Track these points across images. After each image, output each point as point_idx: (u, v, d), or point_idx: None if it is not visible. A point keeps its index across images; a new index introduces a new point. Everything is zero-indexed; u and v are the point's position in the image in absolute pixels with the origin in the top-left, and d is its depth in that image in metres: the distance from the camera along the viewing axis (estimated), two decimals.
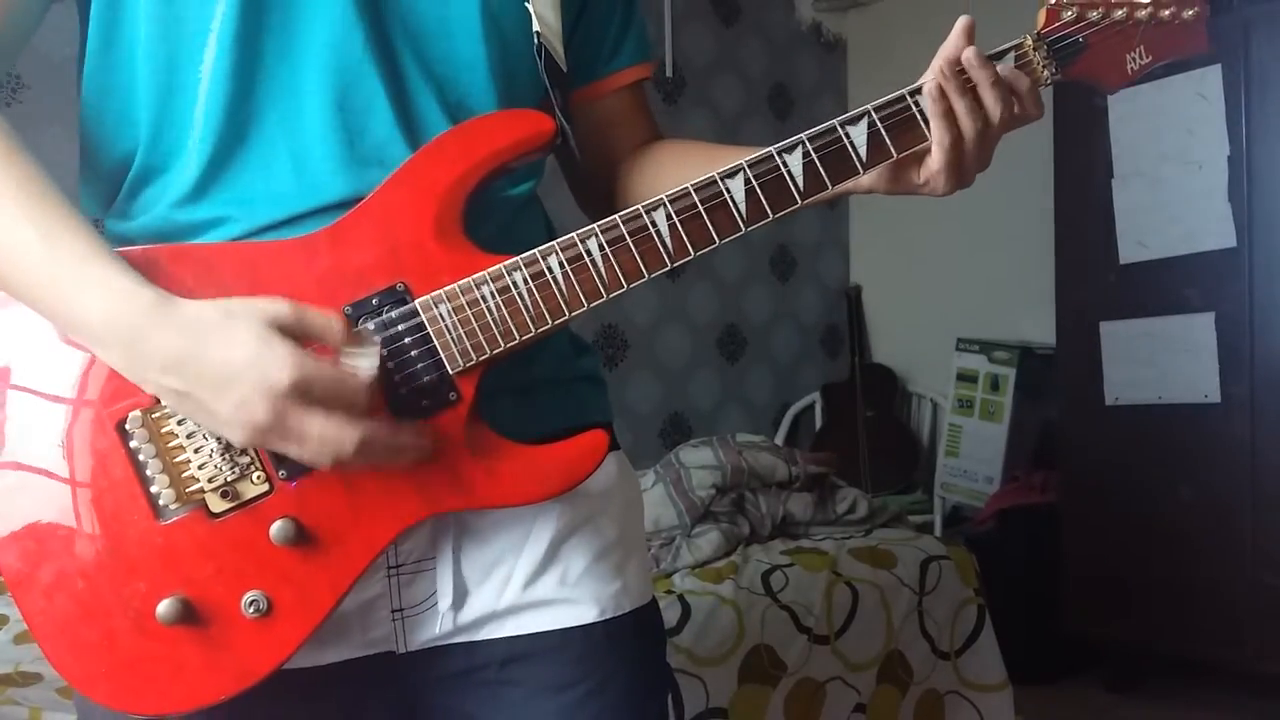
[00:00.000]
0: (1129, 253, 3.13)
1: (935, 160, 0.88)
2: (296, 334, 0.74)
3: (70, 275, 0.75)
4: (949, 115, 0.86)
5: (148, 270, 0.77)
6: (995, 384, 3.81)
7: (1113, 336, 3.19)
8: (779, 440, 4.16)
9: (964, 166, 0.89)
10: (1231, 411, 2.97)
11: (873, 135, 0.86)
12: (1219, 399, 2.99)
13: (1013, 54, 0.89)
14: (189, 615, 0.77)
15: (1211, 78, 2.94)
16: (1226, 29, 2.88)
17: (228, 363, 0.72)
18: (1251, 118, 2.90)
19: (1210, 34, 0.93)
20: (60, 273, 0.76)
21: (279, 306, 0.74)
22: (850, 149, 0.86)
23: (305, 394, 0.72)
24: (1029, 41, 0.89)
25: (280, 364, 0.72)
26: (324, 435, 0.73)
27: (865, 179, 0.90)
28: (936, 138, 0.87)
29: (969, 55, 0.87)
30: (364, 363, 0.76)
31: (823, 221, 4.47)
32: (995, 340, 3.86)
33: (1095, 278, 3.22)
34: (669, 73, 4.00)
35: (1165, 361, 3.08)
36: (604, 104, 1.05)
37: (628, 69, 1.05)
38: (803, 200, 0.86)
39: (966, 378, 3.89)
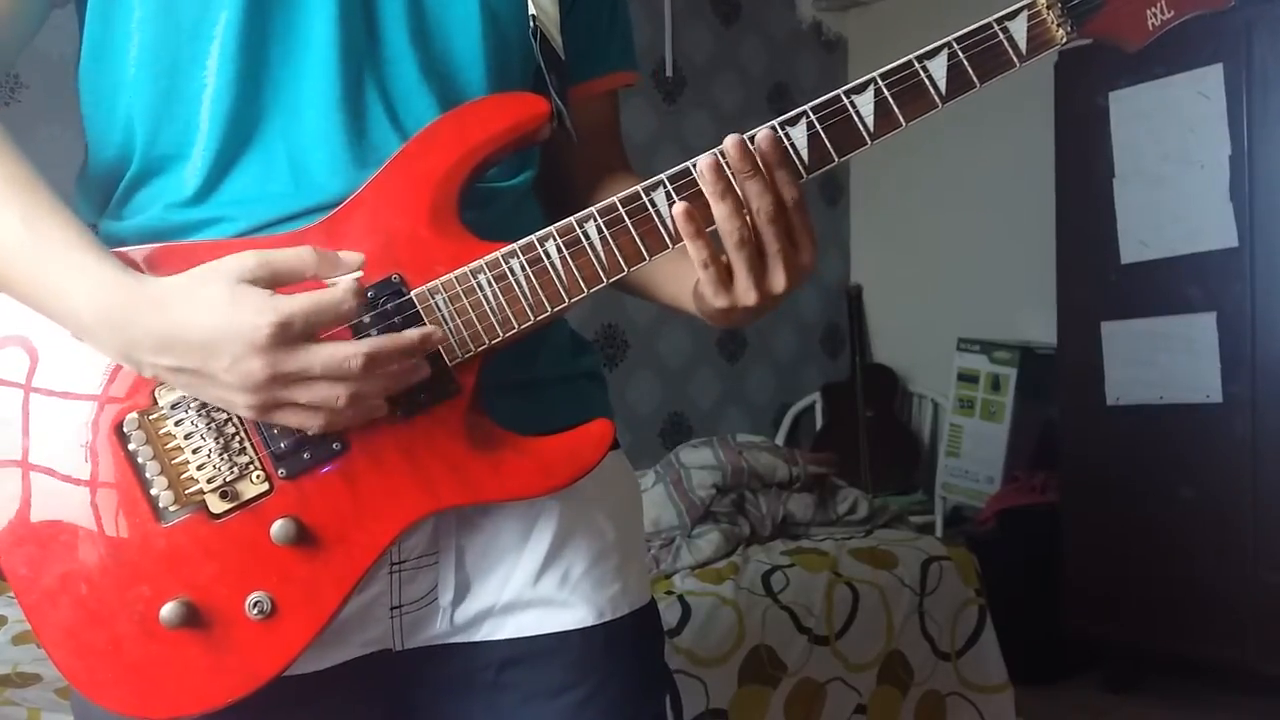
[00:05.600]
0: (1130, 252, 3.13)
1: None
2: (269, 281, 0.73)
3: (56, 266, 0.75)
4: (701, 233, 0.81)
5: (141, 267, 0.77)
6: (996, 384, 3.81)
7: (1114, 336, 3.18)
8: (779, 440, 4.15)
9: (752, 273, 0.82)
10: (1233, 412, 2.97)
11: (880, 104, 0.82)
12: (1220, 399, 2.99)
13: (1025, 13, 0.83)
14: (193, 618, 0.77)
15: (1213, 76, 2.93)
16: (1227, 29, 2.88)
17: (206, 328, 0.72)
18: (1253, 117, 2.90)
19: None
20: (46, 263, 0.75)
21: (243, 259, 0.73)
22: (856, 119, 0.82)
23: (291, 333, 0.71)
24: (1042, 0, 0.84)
25: (255, 315, 0.71)
26: (328, 364, 0.72)
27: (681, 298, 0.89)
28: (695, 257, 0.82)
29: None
30: (344, 275, 0.75)
31: (823, 221, 4.46)
32: (996, 340, 3.85)
33: (1096, 277, 3.21)
34: (669, 72, 3.99)
35: (1166, 361, 3.07)
36: (584, 109, 1.01)
37: (610, 75, 1.03)
38: (808, 174, 0.82)
39: (967, 378, 3.89)
